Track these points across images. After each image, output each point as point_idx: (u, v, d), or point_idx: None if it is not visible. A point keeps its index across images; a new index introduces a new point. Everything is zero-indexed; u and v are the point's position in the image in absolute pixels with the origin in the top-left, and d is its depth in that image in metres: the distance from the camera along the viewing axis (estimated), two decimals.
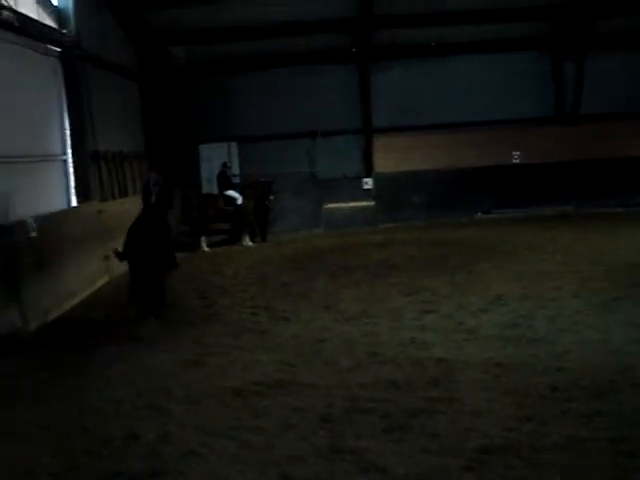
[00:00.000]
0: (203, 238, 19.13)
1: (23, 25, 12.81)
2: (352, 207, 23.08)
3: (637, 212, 21.94)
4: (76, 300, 12.26)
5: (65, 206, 15.30)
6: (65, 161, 15.61)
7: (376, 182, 23.61)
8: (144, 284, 10.29)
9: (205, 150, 23.59)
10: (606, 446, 5.44)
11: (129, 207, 17.23)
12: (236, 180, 21.86)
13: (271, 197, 20.72)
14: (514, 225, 20.44)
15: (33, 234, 11.05)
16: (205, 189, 22.55)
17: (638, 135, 23.97)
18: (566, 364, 7.46)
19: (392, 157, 23.61)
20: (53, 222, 12.50)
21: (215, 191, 20.60)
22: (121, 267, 14.98)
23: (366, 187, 23.52)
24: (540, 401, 6.47)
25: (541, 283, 11.80)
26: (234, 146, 23.85)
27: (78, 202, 15.54)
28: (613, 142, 23.66)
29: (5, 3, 12.12)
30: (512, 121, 24.38)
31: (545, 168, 23.71)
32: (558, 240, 16.91)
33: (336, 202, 23.11)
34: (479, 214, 23.39)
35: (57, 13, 15.07)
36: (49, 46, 14.66)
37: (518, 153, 23.89)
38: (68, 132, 15.51)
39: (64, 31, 15.06)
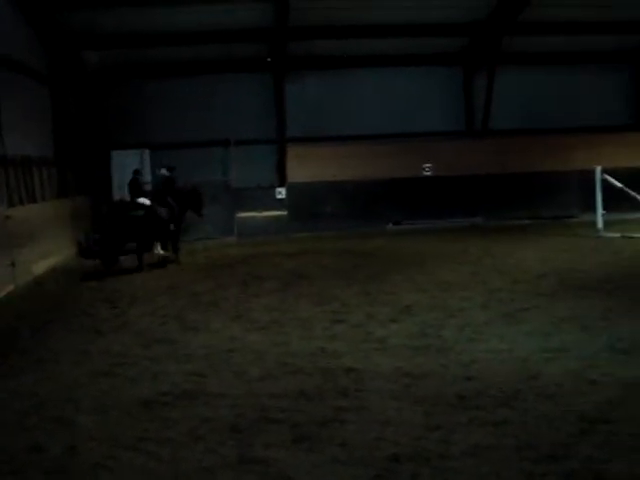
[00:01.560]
0: None
1: None
2: (265, 216, 23.08)
3: (543, 224, 22.57)
4: None
5: None
6: None
7: (289, 192, 23.67)
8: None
9: (117, 156, 23.22)
10: (512, 453, 5.53)
11: (38, 213, 16.85)
12: (148, 187, 21.56)
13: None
14: (424, 236, 20.75)
15: None
16: (116, 196, 22.18)
17: (543, 150, 24.64)
18: (474, 373, 7.57)
19: (305, 167, 23.72)
20: None
21: (127, 198, 20.26)
22: (28, 275, 14.69)
23: (279, 197, 23.56)
24: (448, 410, 6.55)
25: (450, 293, 12.00)
26: (147, 153, 23.55)
27: None
28: (520, 156, 24.29)
29: None
30: (424, 134, 24.79)
31: (455, 181, 24.18)
32: (467, 251, 17.25)
33: (249, 211, 23.07)
34: (390, 225, 23.67)
35: None
36: None
37: (429, 165, 24.30)
38: None
39: None
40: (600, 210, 19.66)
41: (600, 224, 19.62)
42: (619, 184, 19.32)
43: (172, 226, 17.76)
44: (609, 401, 6.61)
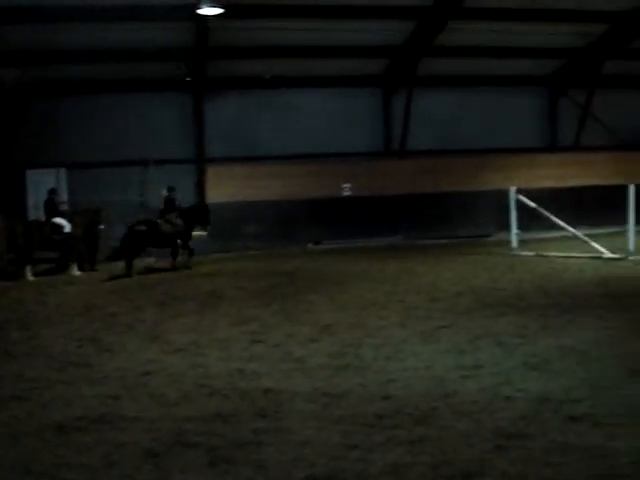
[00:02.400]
0: (28, 267, 18.38)
1: None
2: None
3: (460, 243, 22.95)
4: None
5: None
6: None
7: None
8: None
9: (33, 175, 22.74)
10: (428, 471, 5.57)
11: None
12: (65, 207, 21.16)
13: (101, 226, 20.21)
14: (344, 256, 20.86)
15: None
16: (32, 216, 21.70)
17: (460, 171, 25.11)
18: (392, 392, 7.61)
19: (226, 187, 23.66)
20: None
21: (43, 218, 19.86)
22: None
23: None
24: (366, 429, 6.56)
25: (369, 312, 12.07)
26: (63, 172, 23.12)
27: None
28: (438, 177, 24.70)
29: None
30: (344, 154, 25.00)
31: (375, 201, 24.43)
32: (386, 270, 17.40)
33: None
34: (311, 245, 23.71)
35: None
36: None
37: (349, 185, 24.49)
38: None
39: None
40: (515, 229, 20.11)
41: (515, 243, 20.07)
42: (533, 204, 19.79)
43: (179, 241, 20.00)
44: (523, 416, 6.72)
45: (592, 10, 23.22)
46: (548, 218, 19.72)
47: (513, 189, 20.23)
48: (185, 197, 23.85)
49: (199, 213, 20.73)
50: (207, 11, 19.72)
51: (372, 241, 23.77)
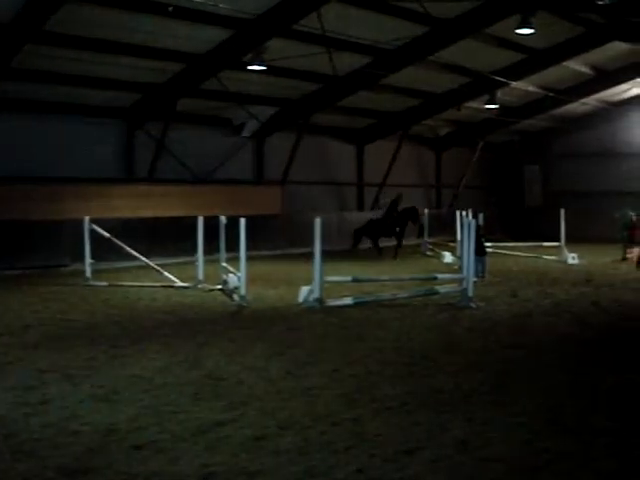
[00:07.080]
0: None
1: None
2: None
3: (34, 274, 22.23)
4: None
5: None
6: None
7: None
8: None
9: None
10: None
11: None
12: None
13: None
14: None
15: None
16: None
17: (34, 199, 24.30)
18: None
19: None
20: None
21: None
22: None
23: None
24: None
25: None
26: None
27: None
28: (7, 204, 23.49)
29: None
30: None
31: None
32: None
33: None
34: None
35: None
36: None
37: None
38: None
39: None
40: (89, 259, 19.92)
41: (89, 273, 19.86)
42: (107, 234, 19.81)
43: (397, 229, 28.66)
44: (90, 450, 6.76)
45: (169, 49, 24.01)
46: (122, 248, 19.89)
47: (87, 219, 20.03)
48: None
49: (410, 213, 29.03)
50: None
51: None
